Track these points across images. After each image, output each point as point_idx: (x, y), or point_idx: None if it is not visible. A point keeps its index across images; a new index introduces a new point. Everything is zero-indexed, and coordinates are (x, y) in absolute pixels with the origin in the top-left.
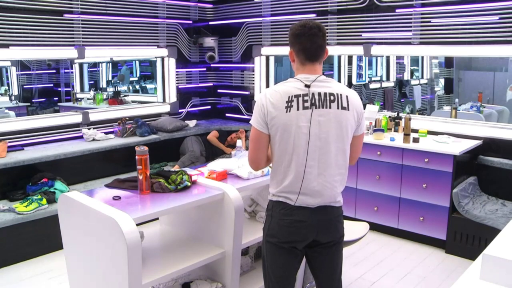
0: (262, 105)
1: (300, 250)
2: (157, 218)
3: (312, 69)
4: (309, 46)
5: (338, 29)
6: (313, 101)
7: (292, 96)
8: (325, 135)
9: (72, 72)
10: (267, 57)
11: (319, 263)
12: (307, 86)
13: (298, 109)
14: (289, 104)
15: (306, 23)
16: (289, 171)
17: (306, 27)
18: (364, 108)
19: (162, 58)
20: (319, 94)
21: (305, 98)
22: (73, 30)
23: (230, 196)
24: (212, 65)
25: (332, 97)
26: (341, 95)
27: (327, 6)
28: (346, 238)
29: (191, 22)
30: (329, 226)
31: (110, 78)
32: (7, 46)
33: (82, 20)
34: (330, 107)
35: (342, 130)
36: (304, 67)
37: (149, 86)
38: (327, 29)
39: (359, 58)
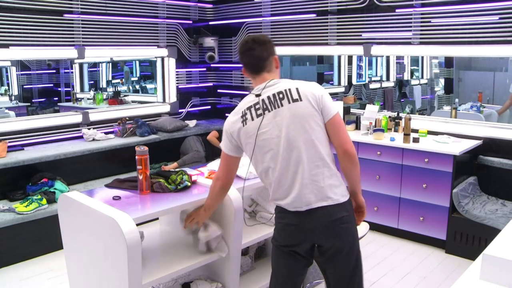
0: (226, 130)
1: (302, 256)
2: (157, 218)
3: (261, 79)
4: (248, 61)
5: (338, 29)
6: (264, 106)
7: (244, 109)
8: (287, 133)
9: (72, 72)
10: None
11: (330, 273)
12: (258, 95)
13: (252, 119)
14: (244, 117)
15: (244, 40)
16: (267, 179)
17: (242, 44)
18: (364, 108)
19: (162, 58)
20: (268, 97)
21: (257, 106)
22: (73, 30)
23: (230, 196)
24: (212, 65)
25: (281, 95)
26: (289, 89)
27: (327, 6)
28: None
29: (191, 22)
30: (326, 230)
31: (110, 78)
32: (7, 46)
33: (82, 20)
34: (282, 105)
35: (302, 122)
36: (255, 80)
37: (149, 86)
38: (327, 29)
39: (359, 58)
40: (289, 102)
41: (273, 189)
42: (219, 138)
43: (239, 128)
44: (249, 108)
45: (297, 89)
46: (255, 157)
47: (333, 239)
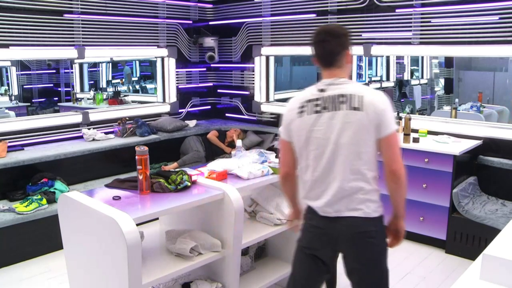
0: (284, 115)
1: (322, 261)
2: (157, 218)
3: (330, 74)
4: (320, 53)
5: None
6: (324, 105)
7: (304, 101)
8: (337, 138)
9: (72, 72)
10: (267, 57)
11: (351, 276)
12: (322, 90)
13: (308, 113)
14: (302, 109)
15: (319, 30)
16: (305, 176)
17: (316, 34)
18: None
19: (162, 58)
20: (330, 97)
21: (317, 102)
22: (73, 30)
23: (230, 196)
24: (212, 65)
25: (342, 99)
26: (353, 95)
27: (327, 6)
28: None
29: (191, 22)
30: (350, 241)
31: (110, 78)
32: (7, 46)
33: (82, 20)
34: (340, 109)
35: (355, 132)
36: (324, 73)
37: (149, 86)
38: None
39: (359, 58)
40: (348, 109)
41: (308, 188)
42: (219, 137)
43: (293, 118)
44: (309, 101)
45: (360, 97)
46: (300, 151)
47: (356, 251)
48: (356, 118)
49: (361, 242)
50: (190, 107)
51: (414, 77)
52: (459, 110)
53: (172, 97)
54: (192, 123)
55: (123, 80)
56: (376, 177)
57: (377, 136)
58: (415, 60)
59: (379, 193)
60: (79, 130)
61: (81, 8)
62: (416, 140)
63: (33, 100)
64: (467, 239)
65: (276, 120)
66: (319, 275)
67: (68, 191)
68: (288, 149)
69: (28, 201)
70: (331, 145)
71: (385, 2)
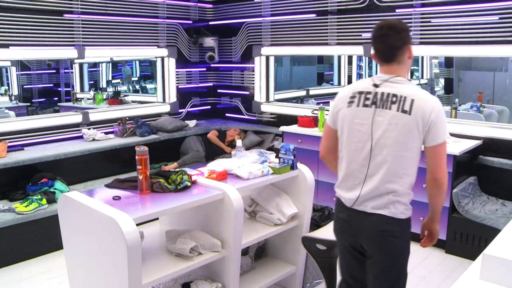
0: (334, 102)
1: (357, 250)
2: (157, 218)
3: (388, 69)
4: (380, 47)
5: (338, 29)
6: (374, 100)
7: (356, 92)
8: (380, 137)
9: (72, 72)
10: (267, 57)
11: (369, 280)
12: (376, 85)
13: (358, 105)
14: (352, 99)
15: (380, 24)
16: (342, 166)
17: (377, 29)
18: None
19: (162, 58)
20: (383, 94)
21: (368, 96)
22: (73, 30)
23: (230, 196)
24: (212, 65)
25: (394, 98)
26: (405, 97)
27: (327, 6)
28: None
29: (191, 22)
30: (373, 237)
31: (110, 78)
32: (7, 46)
33: (82, 20)
34: (390, 108)
35: (400, 135)
36: (381, 68)
37: (149, 86)
38: (327, 29)
39: (359, 58)
40: (398, 110)
41: (342, 178)
42: (219, 137)
43: (342, 107)
44: (360, 93)
45: (412, 101)
46: (342, 139)
47: (377, 248)
48: (404, 121)
49: (383, 240)
50: (190, 107)
51: (414, 77)
52: (459, 110)
53: (172, 97)
54: (192, 123)
55: (123, 80)
56: (413, 182)
57: (423, 143)
58: (415, 60)
59: (411, 197)
60: (79, 130)
61: (81, 8)
62: None
63: (33, 100)
64: (467, 239)
65: (276, 120)
66: (358, 265)
67: (68, 191)
68: (330, 136)
69: (28, 201)
70: (372, 142)
71: (385, 2)
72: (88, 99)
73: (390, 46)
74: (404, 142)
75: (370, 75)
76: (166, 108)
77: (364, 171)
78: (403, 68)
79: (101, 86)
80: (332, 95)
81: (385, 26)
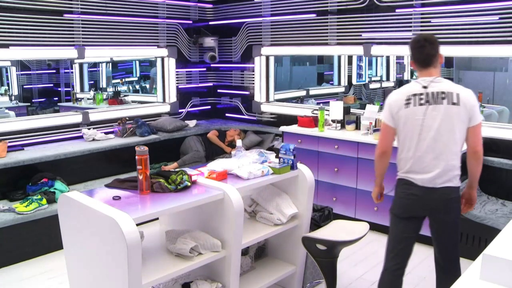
0: (389, 104)
1: (418, 219)
2: (157, 218)
3: (427, 73)
4: (419, 56)
5: (338, 29)
6: (427, 99)
7: (410, 95)
8: (438, 126)
9: (72, 72)
10: (267, 57)
11: (439, 240)
12: (425, 87)
13: (415, 105)
14: (408, 101)
15: (417, 38)
16: (409, 155)
17: (415, 42)
18: (364, 108)
19: (162, 58)
20: (433, 93)
21: (421, 96)
22: (73, 30)
23: (230, 196)
24: (212, 65)
25: (443, 95)
26: (452, 93)
27: (327, 6)
28: (346, 238)
29: (191, 22)
30: (444, 205)
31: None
32: (7, 46)
33: (82, 20)
34: (441, 103)
35: (453, 122)
36: (421, 72)
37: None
38: (327, 29)
39: (359, 58)
40: (448, 103)
41: (410, 164)
42: (219, 137)
43: (400, 107)
44: (414, 95)
45: (457, 94)
46: (405, 134)
47: (446, 212)
48: (455, 111)
49: (450, 205)
50: (190, 107)
51: (414, 77)
52: None
53: (172, 97)
54: (192, 123)
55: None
56: (461, 156)
57: (468, 125)
58: None
59: (460, 168)
60: (79, 130)
61: (81, 8)
62: None
63: (33, 100)
64: (467, 239)
65: (276, 120)
66: (414, 232)
67: (68, 191)
68: (390, 133)
69: (28, 201)
70: (432, 132)
71: (385, 2)
72: (88, 99)
73: (426, 54)
74: (457, 127)
75: (370, 75)
76: (166, 108)
77: (430, 157)
78: (438, 70)
79: (101, 86)
80: (332, 95)
81: (422, 39)
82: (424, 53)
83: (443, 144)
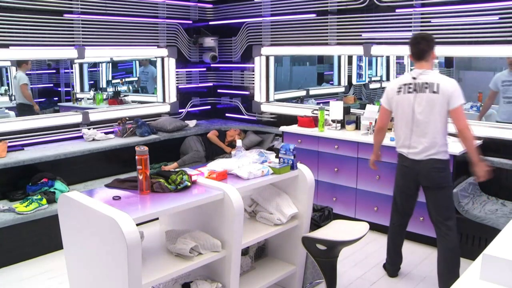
0: (387, 90)
1: (413, 188)
2: (157, 218)
3: (419, 65)
4: (414, 51)
5: (338, 29)
6: (415, 88)
7: (402, 84)
8: (422, 110)
9: (72, 72)
10: (267, 57)
11: (427, 200)
12: (414, 78)
13: (404, 93)
14: (399, 89)
15: (415, 36)
16: (401, 133)
17: (413, 38)
18: (364, 108)
19: (162, 58)
20: (419, 83)
21: (410, 86)
22: (73, 30)
23: (230, 196)
24: (212, 65)
25: (426, 85)
26: (433, 83)
27: (327, 6)
28: (346, 238)
29: (191, 22)
30: (427, 174)
31: (110, 78)
32: (7, 46)
33: (82, 20)
34: (424, 92)
35: (434, 107)
36: (416, 65)
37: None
38: (327, 29)
39: (359, 58)
40: (430, 92)
41: (402, 141)
42: (219, 137)
43: (394, 94)
44: (405, 85)
45: (438, 84)
46: (396, 114)
47: (428, 180)
48: (435, 98)
49: (432, 173)
50: (190, 107)
51: None
52: None
53: (172, 97)
54: (192, 123)
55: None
56: (446, 133)
57: (448, 108)
58: None
59: (447, 146)
60: (79, 130)
61: (81, 8)
62: None
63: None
64: (467, 239)
65: (276, 120)
66: (409, 192)
67: (68, 191)
68: (386, 113)
69: (28, 201)
70: (418, 115)
71: (385, 2)
72: (88, 99)
73: (421, 50)
74: (438, 111)
75: (370, 75)
76: (166, 108)
77: (417, 135)
78: (429, 64)
79: (101, 86)
80: (332, 95)
81: (418, 37)
82: (419, 48)
83: (426, 124)
